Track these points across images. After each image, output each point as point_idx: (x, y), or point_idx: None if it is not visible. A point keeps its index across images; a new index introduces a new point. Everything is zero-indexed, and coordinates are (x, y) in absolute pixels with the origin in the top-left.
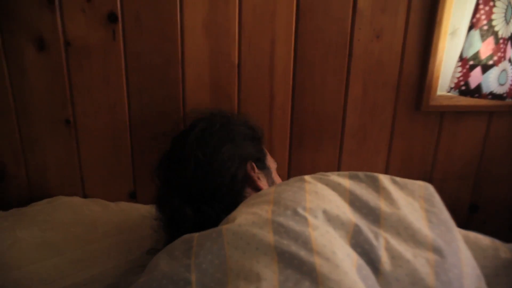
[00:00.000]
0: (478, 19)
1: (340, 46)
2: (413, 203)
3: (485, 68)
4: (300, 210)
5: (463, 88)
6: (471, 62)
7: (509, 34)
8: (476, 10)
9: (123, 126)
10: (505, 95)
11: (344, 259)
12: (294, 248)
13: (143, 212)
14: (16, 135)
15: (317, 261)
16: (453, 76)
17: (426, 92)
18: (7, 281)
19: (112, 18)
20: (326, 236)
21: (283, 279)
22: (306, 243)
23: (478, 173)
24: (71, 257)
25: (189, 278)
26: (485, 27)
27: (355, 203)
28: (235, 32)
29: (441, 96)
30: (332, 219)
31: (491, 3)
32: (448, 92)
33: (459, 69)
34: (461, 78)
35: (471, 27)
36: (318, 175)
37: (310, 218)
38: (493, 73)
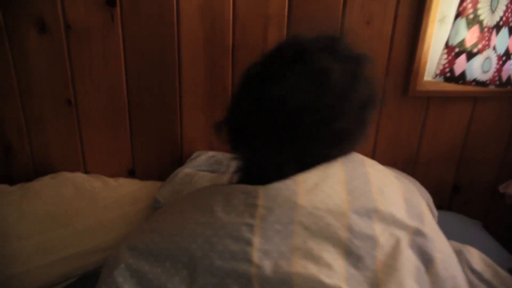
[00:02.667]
0: (465, 8)
1: (331, 30)
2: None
3: (470, 55)
4: (372, 213)
5: (448, 74)
6: (457, 50)
7: (494, 23)
8: None
9: (122, 106)
10: (488, 82)
11: (404, 264)
12: (362, 251)
13: (141, 187)
14: (20, 114)
15: (379, 268)
16: (439, 63)
17: (413, 77)
18: (15, 250)
19: (110, 2)
20: (390, 241)
21: (348, 277)
22: (373, 248)
23: (461, 156)
24: (73, 229)
25: (251, 240)
26: (471, 16)
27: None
28: (229, 16)
29: (428, 81)
30: (395, 223)
31: None
32: (434, 78)
33: (445, 56)
34: (446, 65)
35: (458, 15)
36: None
37: (378, 224)
38: (477, 60)
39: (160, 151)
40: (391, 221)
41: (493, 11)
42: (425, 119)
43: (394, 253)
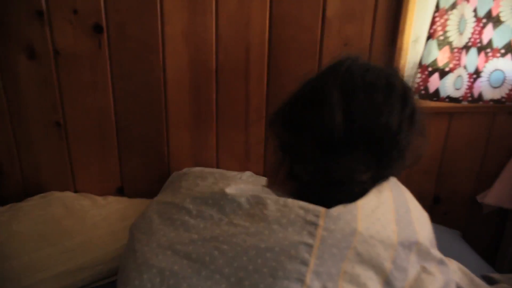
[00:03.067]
0: (435, 30)
1: (310, 53)
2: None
3: (442, 74)
4: (413, 245)
5: (423, 92)
6: (430, 69)
7: (463, 44)
8: (433, 22)
9: (111, 128)
10: (461, 98)
11: None
12: (397, 283)
13: (129, 204)
14: (11, 136)
15: None
16: (413, 81)
17: None
18: (5, 270)
19: (97, 29)
20: (414, 271)
21: None
22: (404, 279)
23: (440, 168)
24: (62, 247)
25: (308, 261)
26: (441, 37)
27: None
28: (212, 41)
29: None
30: (429, 255)
31: (446, 16)
32: None
33: (419, 75)
34: (421, 83)
35: (429, 37)
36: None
37: (413, 256)
38: (450, 78)
39: (148, 169)
40: (425, 253)
41: (461, 33)
42: None
43: (415, 283)
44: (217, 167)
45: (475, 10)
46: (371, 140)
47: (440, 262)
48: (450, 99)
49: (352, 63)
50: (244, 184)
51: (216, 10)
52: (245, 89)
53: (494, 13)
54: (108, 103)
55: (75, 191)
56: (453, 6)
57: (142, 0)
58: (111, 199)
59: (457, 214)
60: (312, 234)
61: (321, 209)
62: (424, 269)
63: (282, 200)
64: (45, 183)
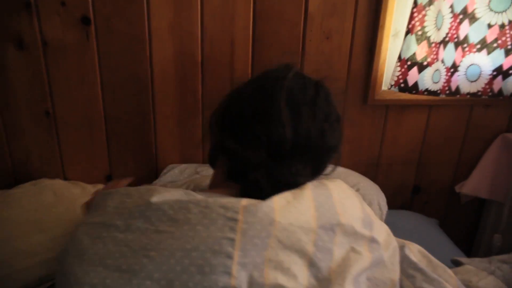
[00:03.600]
0: (413, 25)
1: (293, 46)
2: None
3: (421, 67)
4: (335, 227)
5: (402, 85)
6: (409, 63)
7: (440, 39)
8: (411, 17)
9: (99, 117)
10: (439, 91)
11: (351, 270)
12: (322, 263)
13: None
14: (0, 125)
15: (333, 279)
16: (393, 75)
17: (371, 88)
18: None
19: (85, 20)
20: (342, 251)
21: (310, 286)
22: (330, 260)
23: (420, 159)
24: (52, 234)
25: (232, 254)
26: (420, 32)
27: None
28: (198, 34)
29: (385, 91)
30: (355, 234)
31: (423, 12)
32: (389, 88)
33: (398, 68)
34: (400, 77)
35: (408, 32)
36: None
37: (338, 237)
38: (428, 72)
39: (136, 157)
40: (351, 233)
41: (438, 28)
42: (385, 126)
43: (343, 262)
44: (203, 155)
45: (451, 6)
46: (312, 149)
47: (371, 241)
48: (429, 92)
49: (293, 76)
50: (173, 191)
51: (201, 4)
52: (230, 81)
53: (469, 10)
54: (96, 94)
55: (65, 179)
56: (431, 2)
57: None
58: (101, 187)
59: (436, 204)
60: (233, 229)
61: (239, 206)
62: (352, 249)
63: (203, 201)
64: (35, 170)
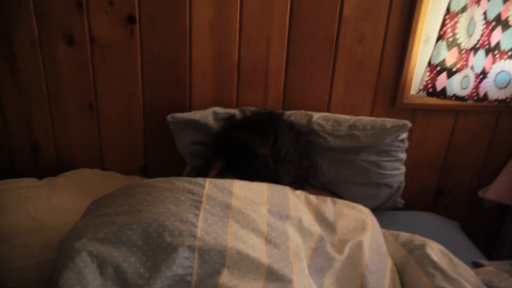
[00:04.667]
0: (445, 32)
1: (327, 48)
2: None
3: (450, 73)
4: (284, 218)
5: (431, 90)
6: (438, 68)
7: (471, 45)
8: (443, 24)
9: (138, 111)
10: (466, 97)
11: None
12: (278, 241)
13: None
14: (47, 116)
15: (291, 254)
16: (422, 79)
17: (400, 91)
18: (47, 239)
19: (131, 19)
20: (297, 239)
21: (269, 254)
22: (286, 240)
23: (444, 163)
24: None
25: (196, 223)
26: (451, 39)
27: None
28: (236, 34)
29: (413, 95)
30: (296, 226)
31: (456, 19)
32: (418, 93)
33: (428, 73)
34: (429, 81)
35: (439, 38)
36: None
37: (289, 225)
38: (457, 78)
39: (171, 152)
40: (299, 226)
41: (470, 35)
42: (412, 129)
43: (298, 249)
44: None
45: (484, 13)
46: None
47: (320, 239)
48: (456, 97)
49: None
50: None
51: (240, 5)
52: (264, 81)
53: (503, 17)
54: (137, 89)
55: (103, 169)
56: (463, 10)
57: None
58: (136, 179)
59: (458, 207)
60: (197, 208)
61: (203, 192)
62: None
63: (171, 181)
64: (76, 160)
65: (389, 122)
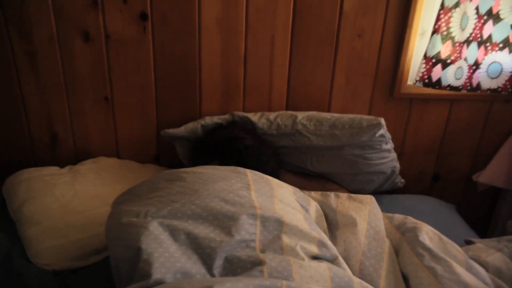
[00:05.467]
0: (439, 26)
1: (328, 42)
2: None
3: (445, 65)
4: (307, 206)
5: (426, 81)
6: (434, 60)
7: (464, 38)
8: (438, 18)
9: (151, 103)
10: (460, 87)
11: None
12: (311, 221)
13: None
14: (66, 108)
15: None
16: (418, 71)
17: (398, 82)
18: (73, 221)
19: (143, 16)
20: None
21: (311, 228)
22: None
23: (440, 149)
24: None
25: (251, 198)
26: (445, 32)
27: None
28: (242, 29)
29: (410, 85)
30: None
31: (449, 13)
32: (414, 83)
33: (424, 65)
34: (425, 73)
35: (434, 32)
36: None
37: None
38: (451, 69)
39: None
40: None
41: (463, 29)
42: (409, 117)
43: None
44: None
45: (477, 8)
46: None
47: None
48: (451, 87)
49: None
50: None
51: (246, 2)
52: (269, 72)
53: (494, 11)
54: (149, 81)
55: (118, 157)
56: (457, 5)
57: None
58: (151, 167)
59: (454, 191)
60: (248, 188)
61: (247, 176)
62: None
63: (214, 168)
64: (93, 149)
65: (366, 120)
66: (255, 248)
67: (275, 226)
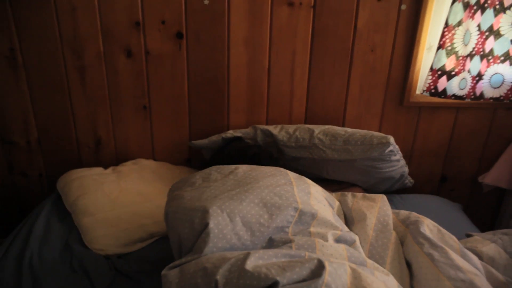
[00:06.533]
0: (444, 42)
1: (343, 56)
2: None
3: (449, 76)
4: (332, 204)
5: (433, 91)
6: (439, 72)
7: (467, 53)
8: (443, 35)
9: (184, 111)
10: (464, 96)
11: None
12: (337, 216)
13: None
14: (109, 116)
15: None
16: (425, 82)
17: (407, 92)
18: (122, 214)
19: (179, 35)
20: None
21: (335, 221)
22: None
23: (448, 152)
24: (157, 203)
25: (294, 194)
26: (449, 48)
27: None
28: (266, 45)
29: (418, 95)
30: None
31: (453, 31)
32: (422, 93)
33: (430, 77)
34: (431, 84)
35: (439, 47)
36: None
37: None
38: (455, 80)
39: None
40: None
41: (466, 44)
42: (418, 124)
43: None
44: None
45: (478, 25)
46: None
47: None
48: (456, 96)
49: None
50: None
51: (270, 22)
52: (290, 84)
53: (495, 28)
54: (183, 93)
55: (154, 160)
56: (459, 23)
57: (214, 14)
58: (184, 169)
59: (461, 191)
60: (291, 185)
61: (287, 173)
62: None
63: (259, 167)
64: (132, 152)
65: (376, 138)
66: (288, 233)
67: (308, 219)
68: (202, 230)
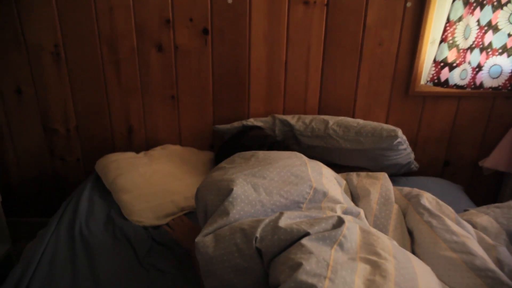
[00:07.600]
0: (446, 36)
1: (354, 51)
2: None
3: (451, 68)
4: (341, 183)
5: (436, 81)
6: (442, 64)
7: (467, 46)
8: (445, 30)
9: (208, 101)
10: (465, 86)
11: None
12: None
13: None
14: (140, 106)
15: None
16: (429, 73)
17: (412, 82)
18: (154, 192)
19: (205, 31)
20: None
21: (344, 200)
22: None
23: (450, 138)
24: (185, 182)
25: (309, 173)
26: (451, 41)
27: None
28: (284, 41)
29: (423, 85)
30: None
31: (454, 26)
32: (426, 83)
33: (433, 68)
34: (434, 74)
35: (442, 41)
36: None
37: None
38: (457, 71)
39: None
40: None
41: (466, 38)
42: (422, 112)
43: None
44: None
45: (478, 20)
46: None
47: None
48: (457, 86)
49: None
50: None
51: (287, 19)
52: (305, 77)
53: (493, 22)
54: (208, 84)
55: (181, 145)
56: (460, 19)
57: (236, 12)
58: (209, 154)
59: (462, 175)
60: (305, 166)
61: (303, 157)
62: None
63: (276, 152)
64: (160, 138)
65: (385, 131)
66: (302, 208)
67: (320, 197)
68: (228, 194)
